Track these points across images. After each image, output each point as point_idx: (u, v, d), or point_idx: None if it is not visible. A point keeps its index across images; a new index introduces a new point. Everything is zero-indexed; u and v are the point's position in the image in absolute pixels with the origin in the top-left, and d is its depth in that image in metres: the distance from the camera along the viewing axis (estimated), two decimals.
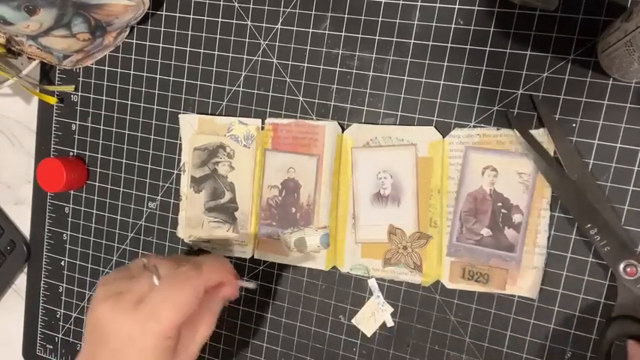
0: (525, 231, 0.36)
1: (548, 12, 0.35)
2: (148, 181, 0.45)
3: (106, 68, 0.46)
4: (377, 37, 0.38)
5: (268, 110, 0.41)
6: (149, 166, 0.45)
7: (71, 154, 0.48)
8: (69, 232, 0.49)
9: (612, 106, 0.34)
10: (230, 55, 0.42)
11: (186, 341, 0.33)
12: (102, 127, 0.46)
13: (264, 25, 0.41)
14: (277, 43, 0.41)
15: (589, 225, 0.34)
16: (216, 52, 0.42)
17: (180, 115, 0.43)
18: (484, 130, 0.37)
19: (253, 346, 0.44)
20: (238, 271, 0.43)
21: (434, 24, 0.37)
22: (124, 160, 0.46)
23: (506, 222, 0.36)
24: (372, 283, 0.40)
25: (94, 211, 0.48)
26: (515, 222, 0.36)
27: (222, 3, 0.41)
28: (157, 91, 0.44)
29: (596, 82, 0.34)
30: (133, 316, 0.30)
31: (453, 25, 0.37)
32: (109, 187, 0.47)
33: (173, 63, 0.43)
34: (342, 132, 0.40)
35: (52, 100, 0.47)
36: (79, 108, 0.47)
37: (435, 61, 0.37)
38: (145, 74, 0.44)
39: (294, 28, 0.40)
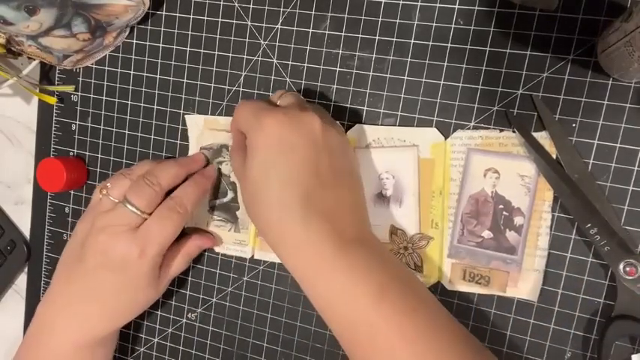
0: (527, 233, 0.36)
1: (548, 12, 0.35)
2: None
3: (106, 68, 0.46)
4: (377, 37, 0.38)
5: None
6: None
7: (71, 154, 0.48)
8: (69, 232, 0.49)
9: (612, 106, 0.34)
10: (230, 55, 0.42)
11: (163, 271, 0.40)
12: (102, 127, 0.46)
13: (264, 25, 0.41)
14: (277, 43, 0.41)
15: (589, 225, 0.34)
16: (216, 52, 0.42)
17: (186, 116, 0.43)
18: (486, 132, 0.37)
19: (253, 346, 0.44)
20: (238, 271, 0.43)
21: (434, 24, 0.37)
22: (124, 160, 0.46)
23: (508, 224, 0.36)
24: None
25: None
26: (516, 224, 0.36)
27: (222, 3, 0.41)
28: (156, 91, 0.44)
29: (596, 82, 0.34)
30: (133, 240, 0.37)
31: (453, 25, 0.37)
32: None
33: (173, 63, 0.43)
34: None
35: (52, 100, 0.47)
36: (79, 108, 0.47)
37: (435, 61, 0.37)
38: (145, 74, 0.44)
39: (294, 28, 0.40)
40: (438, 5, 0.37)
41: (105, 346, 0.41)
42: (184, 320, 0.46)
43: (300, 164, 0.32)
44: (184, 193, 0.39)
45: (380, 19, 0.38)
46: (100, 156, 0.47)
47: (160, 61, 0.44)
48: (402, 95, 0.38)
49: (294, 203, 0.32)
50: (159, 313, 0.46)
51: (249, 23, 0.41)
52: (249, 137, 0.34)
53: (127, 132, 0.46)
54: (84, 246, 0.38)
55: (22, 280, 0.52)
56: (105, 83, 0.46)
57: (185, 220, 0.39)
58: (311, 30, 0.40)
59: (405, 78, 0.38)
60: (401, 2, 0.37)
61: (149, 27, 0.44)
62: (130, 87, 0.45)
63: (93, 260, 0.38)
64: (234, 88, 0.42)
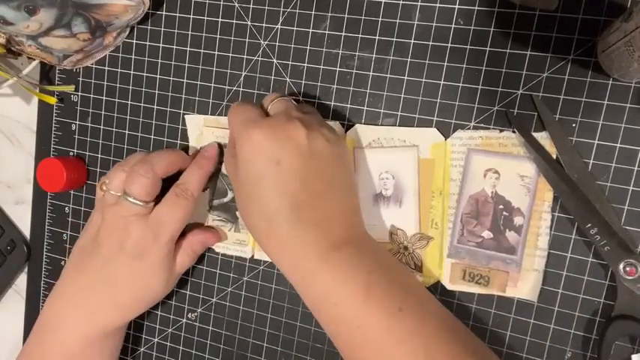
0: (526, 234, 0.36)
1: (548, 12, 0.35)
2: None
3: (106, 68, 0.46)
4: (377, 37, 0.38)
5: None
6: None
7: (71, 154, 0.48)
8: (69, 232, 0.49)
9: (612, 106, 0.34)
10: (230, 55, 0.42)
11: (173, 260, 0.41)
12: (102, 127, 0.46)
13: (264, 25, 0.41)
14: (277, 43, 0.41)
15: (589, 225, 0.34)
16: (216, 52, 0.42)
17: (186, 116, 0.43)
18: (486, 132, 0.37)
19: (253, 346, 0.44)
20: (238, 271, 0.43)
21: (434, 24, 0.37)
22: None
23: (508, 224, 0.36)
24: None
25: None
26: (516, 225, 0.36)
27: (222, 3, 0.41)
28: (156, 91, 0.44)
29: (596, 82, 0.34)
30: (146, 227, 0.37)
31: (453, 25, 0.37)
32: None
33: (173, 63, 0.43)
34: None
35: (52, 100, 0.47)
36: (79, 108, 0.47)
37: (435, 61, 0.37)
38: (144, 74, 0.44)
39: (294, 28, 0.40)
40: (438, 5, 0.37)
41: (114, 339, 0.41)
42: (184, 320, 0.46)
43: (288, 176, 0.32)
44: (188, 177, 0.39)
45: (380, 19, 0.38)
46: (100, 156, 0.47)
47: (160, 61, 0.44)
48: (402, 95, 0.38)
49: (283, 214, 0.33)
50: (159, 313, 0.46)
51: (249, 23, 0.41)
52: (238, 147, 0.34)
53: (127, 132, 0.46)
54: (97, 239, 0.39)
55: (22, 280, 0.52)
56: (105, 83, 0.46)
57: (193, 205, 0.39)
58: (311, 30, 0.40)
59: (405, 78, 0.38)
60: (401, 2, 0.37)
61: (149, 27, 0.44)
62: (130, 87, 0.45)
63: (108, 250, 0.38)
64: (234, 88, 0.42)
